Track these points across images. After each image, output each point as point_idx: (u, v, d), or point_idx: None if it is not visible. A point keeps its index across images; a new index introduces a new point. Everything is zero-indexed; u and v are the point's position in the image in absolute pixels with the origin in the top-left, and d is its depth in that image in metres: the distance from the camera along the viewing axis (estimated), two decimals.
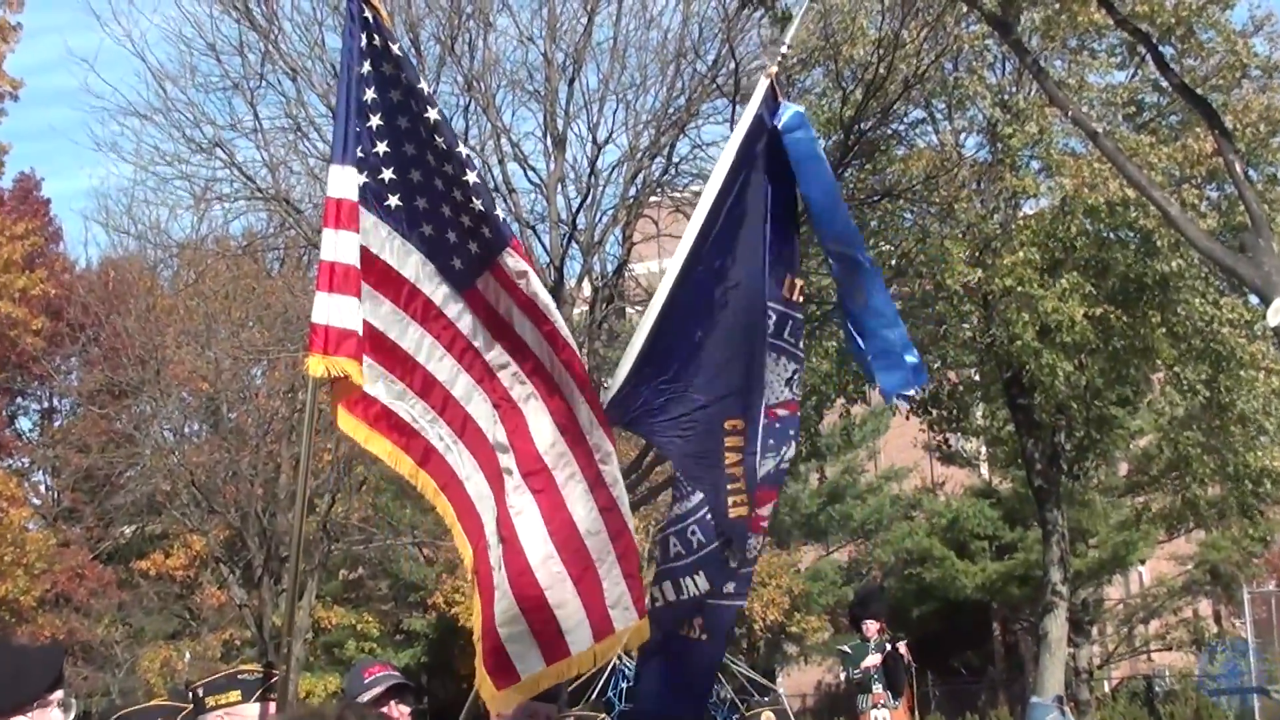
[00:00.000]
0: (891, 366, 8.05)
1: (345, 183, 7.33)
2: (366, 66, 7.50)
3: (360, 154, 7.46)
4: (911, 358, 7.95)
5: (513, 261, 7.75)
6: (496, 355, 7.89)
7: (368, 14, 7.50)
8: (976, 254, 27.39)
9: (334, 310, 7.11)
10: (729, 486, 8.13)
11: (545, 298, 7.84)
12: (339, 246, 7.22)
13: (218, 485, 33.23)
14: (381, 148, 7.54)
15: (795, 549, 48.77)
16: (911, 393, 8.06)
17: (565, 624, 7.77)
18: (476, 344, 7.88)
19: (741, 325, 8.27)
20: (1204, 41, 27.10)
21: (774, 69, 8.44)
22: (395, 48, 7.63)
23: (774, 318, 8.26)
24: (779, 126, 8.16)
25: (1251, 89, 27.84)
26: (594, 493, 7.84)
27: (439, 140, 7.63)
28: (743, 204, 8.25)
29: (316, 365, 7.07)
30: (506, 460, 7.90)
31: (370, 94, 7.50)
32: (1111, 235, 28.36)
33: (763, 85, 8.33)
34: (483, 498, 7.88)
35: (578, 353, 8.06)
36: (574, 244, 25.24)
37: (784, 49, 9.45)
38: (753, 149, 8.24)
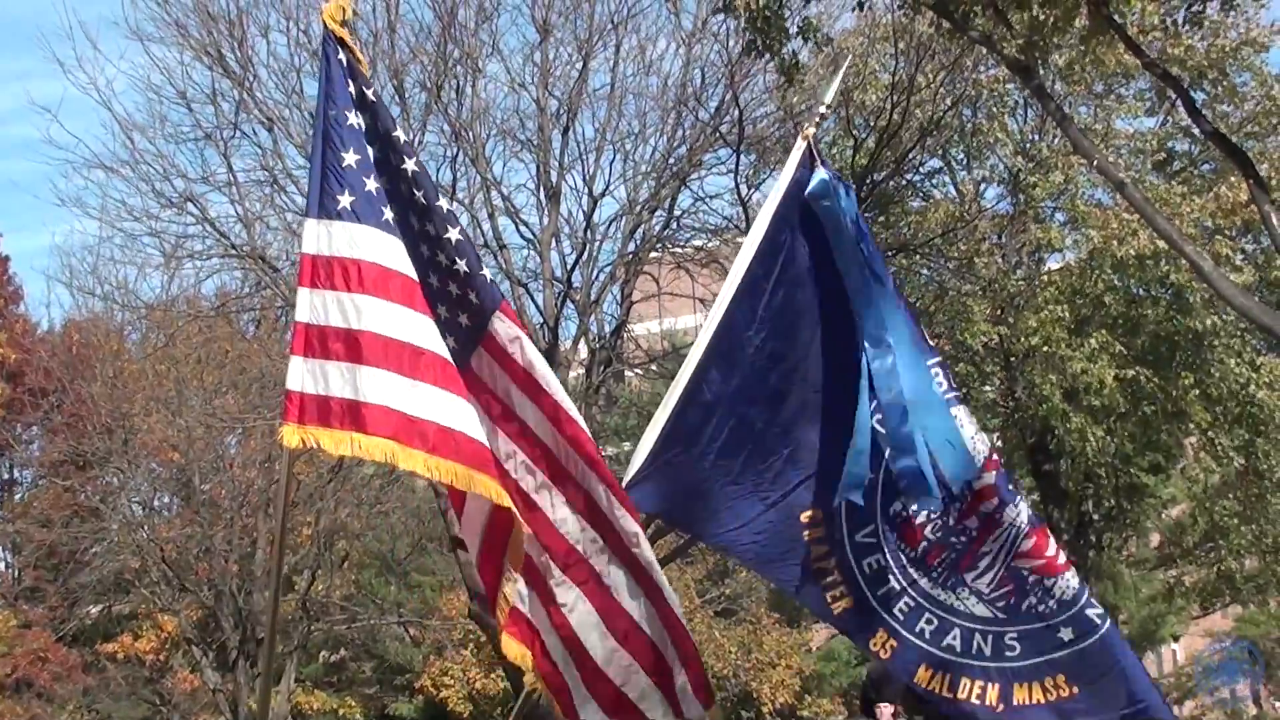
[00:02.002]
0: (849, 471, 7.96)
1: (320, 238, 7.07)
2: (351, 117, 7.30)
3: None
4: (857, 468, 7.85)
5: (503, 327, 7.57)
6: (502, 444, 7.69)
7: (342, 56, 7.31)
8: (999, 311, 27.25)
9: (308, 376, 6.86)
10: (824, 582, 8.15)
11: (542, 366, 7.65)
12: (314, 306, 6.96)
13: (190, 562, 32.95)
14: None
15: (806, 628, 48.44)
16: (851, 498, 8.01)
17: (653, 714, 7.77)
18: None
19: (807, 409, 8.20)
20: (1238, 85, 27.08)
21: (811, 130, 8.36)
22: (370, 93, 7.45)
23: (940, 374, 8.29)
24: (808, 194, 8.09)
25: None
26: (636, 577, 7.73)
27: (419, 195, 7.43)
28: (790, 276, 8.16)
29: (291, 435, 6.88)
30: (540, 557, 7.74)
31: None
32: (1142, 291, 28.20)
33: (799, 148, 8.28)
34: (522, 598, 7.77)
35: (583, 426, 7.83)
36: (569, 303, 25.03)
37: (823, 108, 9.34)
38: (792, 215, 8.15)
